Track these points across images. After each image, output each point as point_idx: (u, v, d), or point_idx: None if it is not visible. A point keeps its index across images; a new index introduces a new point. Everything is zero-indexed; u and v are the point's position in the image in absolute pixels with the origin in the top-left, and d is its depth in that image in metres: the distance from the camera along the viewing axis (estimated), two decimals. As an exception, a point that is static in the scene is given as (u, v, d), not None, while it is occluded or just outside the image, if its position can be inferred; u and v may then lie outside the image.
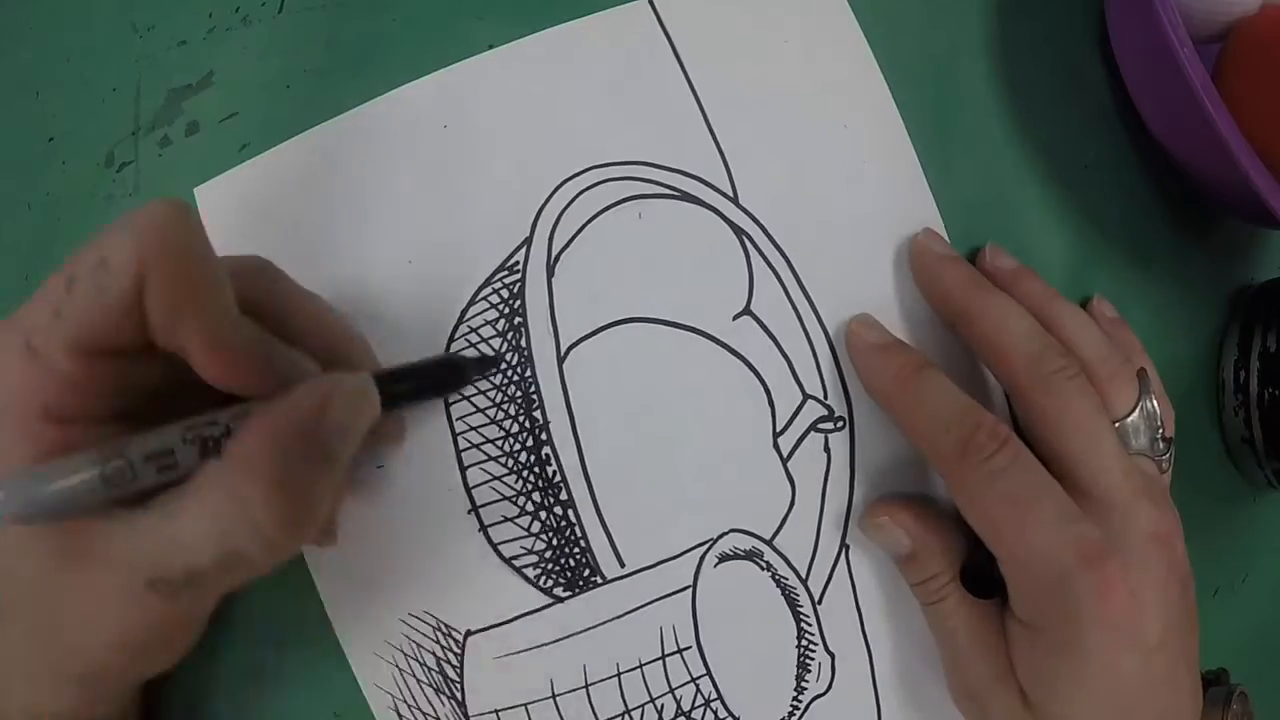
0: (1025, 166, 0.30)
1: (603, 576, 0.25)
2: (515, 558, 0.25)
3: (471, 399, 0.25)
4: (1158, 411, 0.26)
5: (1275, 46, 0.28)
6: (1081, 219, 0.30)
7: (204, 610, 0.20)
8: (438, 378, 0.24)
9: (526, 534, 0.25)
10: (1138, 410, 0.26)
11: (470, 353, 0.25)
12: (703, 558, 0.25)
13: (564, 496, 0.25)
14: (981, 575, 0.24)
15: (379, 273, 0.25)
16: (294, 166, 0.25)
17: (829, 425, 0.26)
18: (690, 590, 0.25)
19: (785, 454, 0.26)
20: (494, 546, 0.25)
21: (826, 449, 0.26)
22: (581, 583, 0.25)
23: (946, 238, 0.28)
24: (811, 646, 0.26)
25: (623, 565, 0.25)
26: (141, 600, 0.17)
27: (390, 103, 0.25)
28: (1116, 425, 0.25)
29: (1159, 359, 0.31)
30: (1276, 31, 0.29)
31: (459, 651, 0.25)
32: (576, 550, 0.25)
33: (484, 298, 0.25)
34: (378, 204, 0.25)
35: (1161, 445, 0.26)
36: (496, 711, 0.25)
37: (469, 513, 0.25)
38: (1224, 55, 0.30)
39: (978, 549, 0.24)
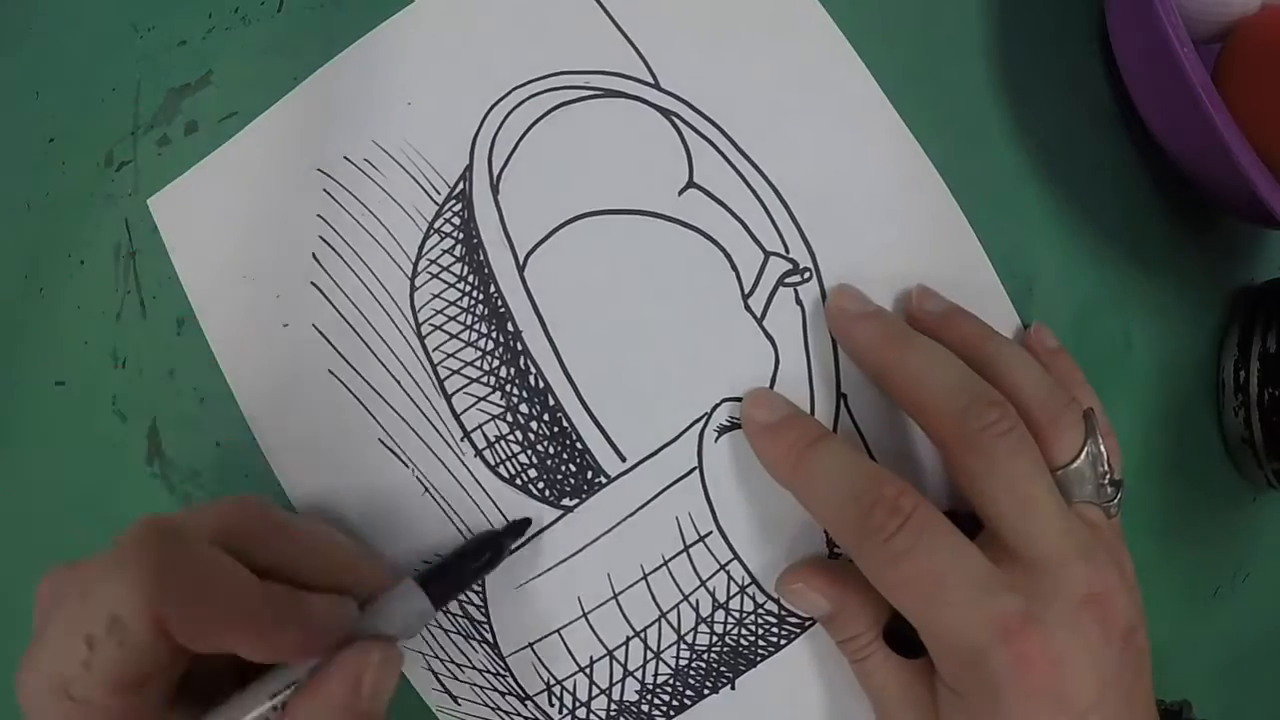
0: (1025, 166, 0.30)
1: (606, 475, 0.25)
2: (516, 475, 0.25)
3: (443, 327, 0.25)
4: (1104, 454, 0.24)
5: (1275, 46, 0.28)
6: (1081, 219, 0.30)
7: None
8: (480, 557, 0.24)
9: (522, 448, 0.25)
10: (1083, 456, 0.24)
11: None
12: (701, 434, 0.25)
13: (551, 402, 0.25)
14: (905, 636, 0.23)
15: (342, 227, 0.26)
16: (247, 157, 0.26)
17: (796, 278, 0.26)
18: (697, 471, 0.25)
19: (759, 314, 0.26)
20: (492, 469, 0.25)
21: (799, 302, 0.26)
22: (587, 486, 0.25)
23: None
24: None
25: (624, 460, 0.25)
26: None
27: (328, 76, 0.26)
28: (1060, 473, 0.23)
29: (1159, 359, 0.31)
30: (1276, 31, 0.29)
31: (480, 589, 0.25)
32: (575, 454, 0.25)
33: (437, 229, 0.26)
34: (335, 171, 0.26)
35: (1109, 490, 0.24)
36: (530, 645, 0.25)
37: (462, 440, 0.25)
38: (1224, 55, 0.30)
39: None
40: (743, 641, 0.26)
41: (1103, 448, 0.24)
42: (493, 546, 0.24)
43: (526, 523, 0.25)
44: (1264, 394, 0.31)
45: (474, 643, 0.25)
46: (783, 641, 0.26)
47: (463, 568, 0.23)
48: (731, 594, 0.25)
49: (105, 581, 0.17)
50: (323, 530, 0.23)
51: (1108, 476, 0.24)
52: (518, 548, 0.25)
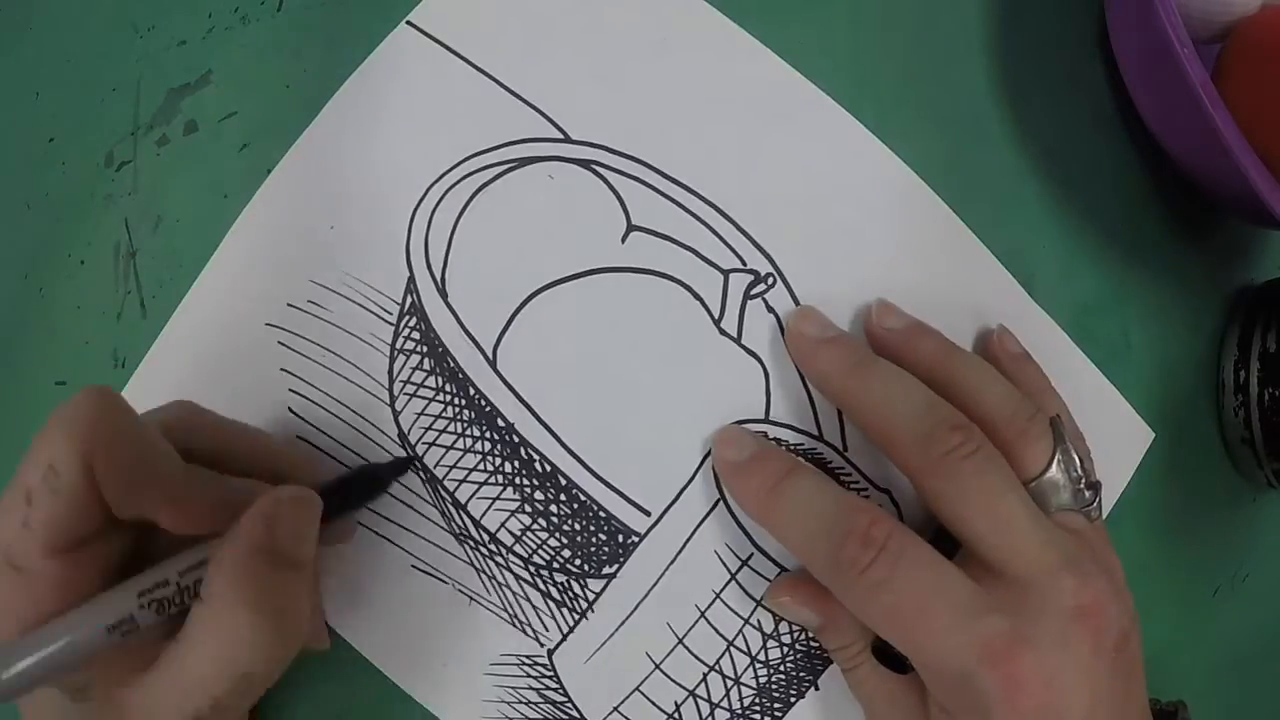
0: (1025, 166, 0.30)
1: (637, 534, 0.25)
2: (552, 559, 0.25)
3: (436, 442, 0.25)
4: (1077, 460, 0.24)
5: (1275, 46, 0.28)
6: (1081, 219, 0.30)
7: None
8: (360, 488, 0.24)
9: (549, 533, 0.25)
10: (1054, 465, 0.23)
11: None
12: (715, 468, 0.25)
13: (563, 482, 0.25)
14: (894, 653, 0.23)
15: (308, 374, 0.25)
16: (195, 331, 0.26)
17: (760, 286, 0.26)
18: (721, 502, 0.25)
19: (735, 335, 0.26)
20: (527, 561, 0.25)
21: (771, 310, 0.26)
22: (621, 550, 0.25)
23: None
24: (863, 493, 0.26)
25: (649, 514, 0.25)
26: None
27: (253, 218, 0.26)
28: (1034, 484, 0.23)
29: (1159, 359, 0.31)
30: (1276, 31, 0.29)
31: (553, 673, 0.25)
32: (601, 523, 0.25)
33: (400, 350, 0.25)
34: (284, 321, 0.26)
35: (1087, 494, 0.24)
36: (616, 709, 0.25)
37: (489, 544, 0.25)
38: (1224, 55, 0.30)
39: None
40: (813, 644, 0.26)
41: (1074, 453, 0.24)
42: (371, 476, 0.24)
43: (409, 460, 0.25)
44: (1264, 394, 0.31)
45: None
46: None
47: (345, 491, 0.23)
48: None
49: (44, 437, 0.18)
50: (254, 431, 0.24)
51: (1083, 481, 0.24)
52: (398, 480, 0.25)
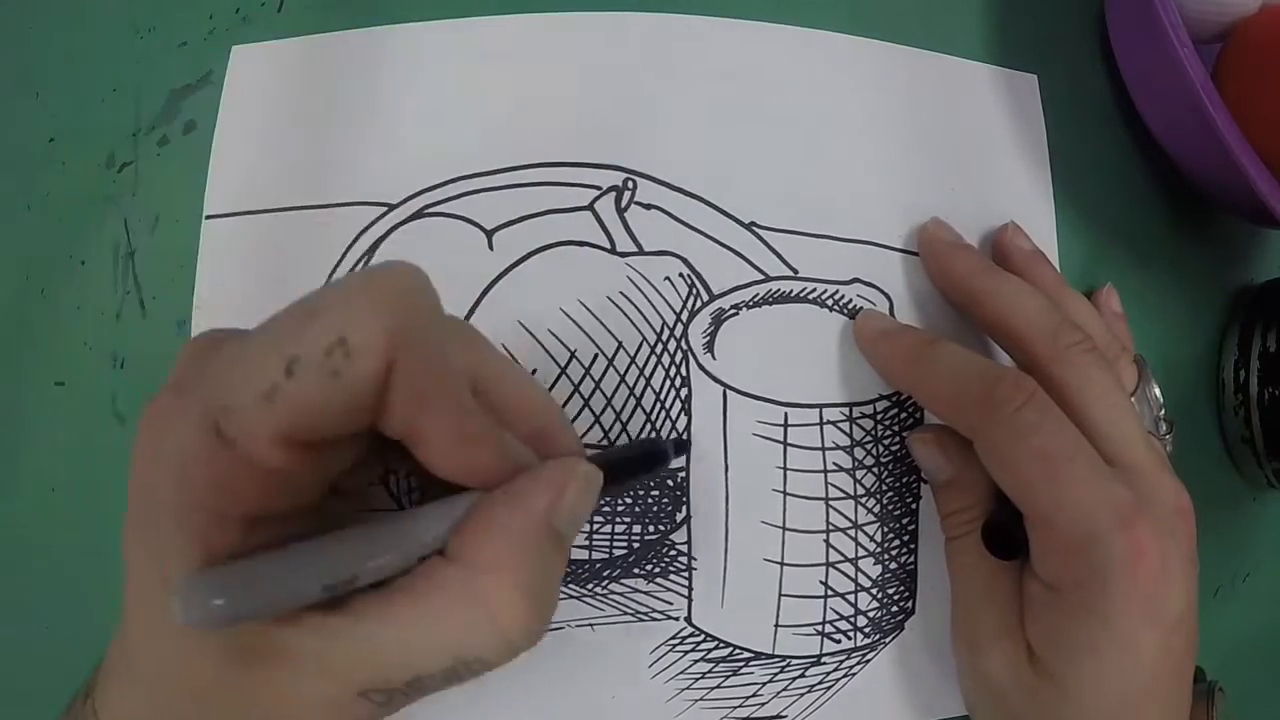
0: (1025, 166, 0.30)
1: (681, 467, 0.25)
2: (630, 543, 0.25)
3: None
4: (1159, 398, 0.26)
5: (1275, 46, 0.28)
6: (1082, 219, 0.30)
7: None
8: (642, 462, 0.23)
9: (608, 521, 0.25)
10: (1139, 393, 0.26)
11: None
12: (699, 367, 0.25)
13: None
14: (1001, 538, 0.24)
15: None
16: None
17: (627, 195, 0.26)
18: (723, 390, 0.25)
19: (637, 248, 0.26)
20: (612, 562, 0.25)
21: (649, 206, 0.26)
22: (680, 490, 0.25)
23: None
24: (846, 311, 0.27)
25: (678, 443, 0.25)
26: (349, 708, 0.16)
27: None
28: None
29: (1159, 359, 0.31)
30: (1276, 32, 0.29)
31: (702, 634, 0.25)
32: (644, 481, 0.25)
33: None
34: None
35: (1165, 425, 0.27)
36: (778, 625, 0.25)
37: (570, 568, 0.25)
38: (1224, 55, 0.30)
39: (1001, 509, 0.24)
40: (895, 449, 0.26)
41: (1155, 388, 0.27)
42: (657, 453, 0.23)
43: (688, 444, 0.25)
44: (1264, 394, 0.31)
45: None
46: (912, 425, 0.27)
47: (625, 465, 0.22)
48: (850, 430, 0.26)
49: (340, 301, 0.14)
50: (530, 380, 0.20)
51: (1163, 412, 0.27)
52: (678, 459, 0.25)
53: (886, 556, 0.26)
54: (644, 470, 0.24)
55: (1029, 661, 0.23)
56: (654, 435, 0.25)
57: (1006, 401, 0.22)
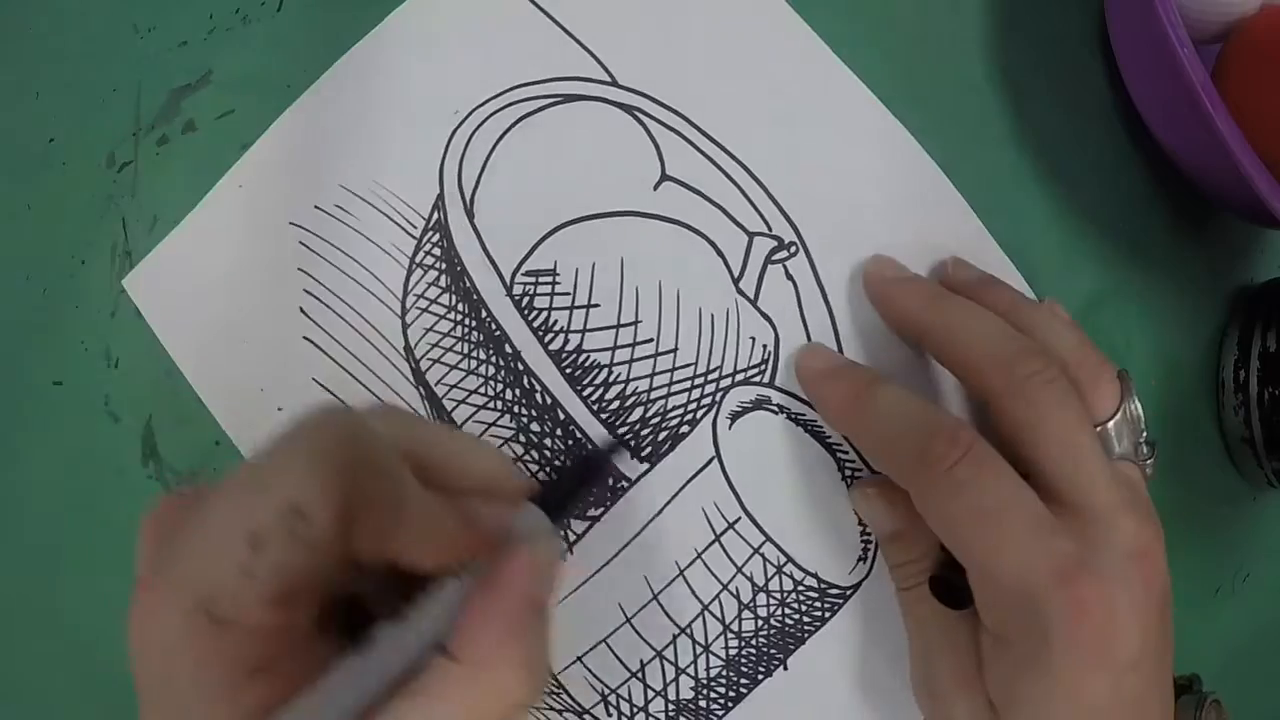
0: (1025, 166, 0.30)
1: (627, 479, 0.25)
2: None
3: (441, 359, 0.25)
4: (1141, 415, 0.25)
5: (1275, 46, 0.28)
6: (1082, 219, 0.30)
7: None
8: (588, 474, 0.24)
9: (540, 466, 0.25)
10: (1120, 413, 0.24)
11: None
12: (715, 423, 0.26)
13: (561, 417, 0.25)
14: (951, 588, 0.23)
15: (324, 277, 0.25)
16: (216, 222, 0.26)
17: (783, 254, 0.26)
18: (716, 460, 0.26)
19: (752, 296, 0.26)
20: None
21: (790, 277, 0.26)
22: (610, 494, 0.25)
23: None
24: (856, 473, 0.26)
25: (642, 461, 0.25)
26: None
27: (286, 126, 0.26)
28: (1099, 429, 0.24)
29: (1159, 359, 0.31)
30: (1276, 32, 0.29)
31: None
32: None
33: (419, 264, 0.26)
34: (307, 221, 0.26)
35: (1145, 449, 0.25)
36: (579, 659, 0.25)
37: None
38: (1224, 55, 0.30)
39: (950, 558, 0.23)
40: (788, 621, 0.26)
41: (1138, 407, 0.25)
42: (592, 465, 0.24)
43: (616, 442, 0.25)
44: (1264, 394, 0.31)
45: None
46: (827, 615, 0.26)
47: (570, 487, 0.22)
48: (769, 576, 0.26)
49: (281, 469, 0.15)
50: (459, 436, 0.22)
51: (1144, 435, 0.25)
52: (617, 458, 0.25)
53: (730, 671, 0.26)
54: (592, 480, 0.24)
55: (990, 713, 0.22)
56: (587, 448, 0.25)
57: (941, 459, 0.21)
